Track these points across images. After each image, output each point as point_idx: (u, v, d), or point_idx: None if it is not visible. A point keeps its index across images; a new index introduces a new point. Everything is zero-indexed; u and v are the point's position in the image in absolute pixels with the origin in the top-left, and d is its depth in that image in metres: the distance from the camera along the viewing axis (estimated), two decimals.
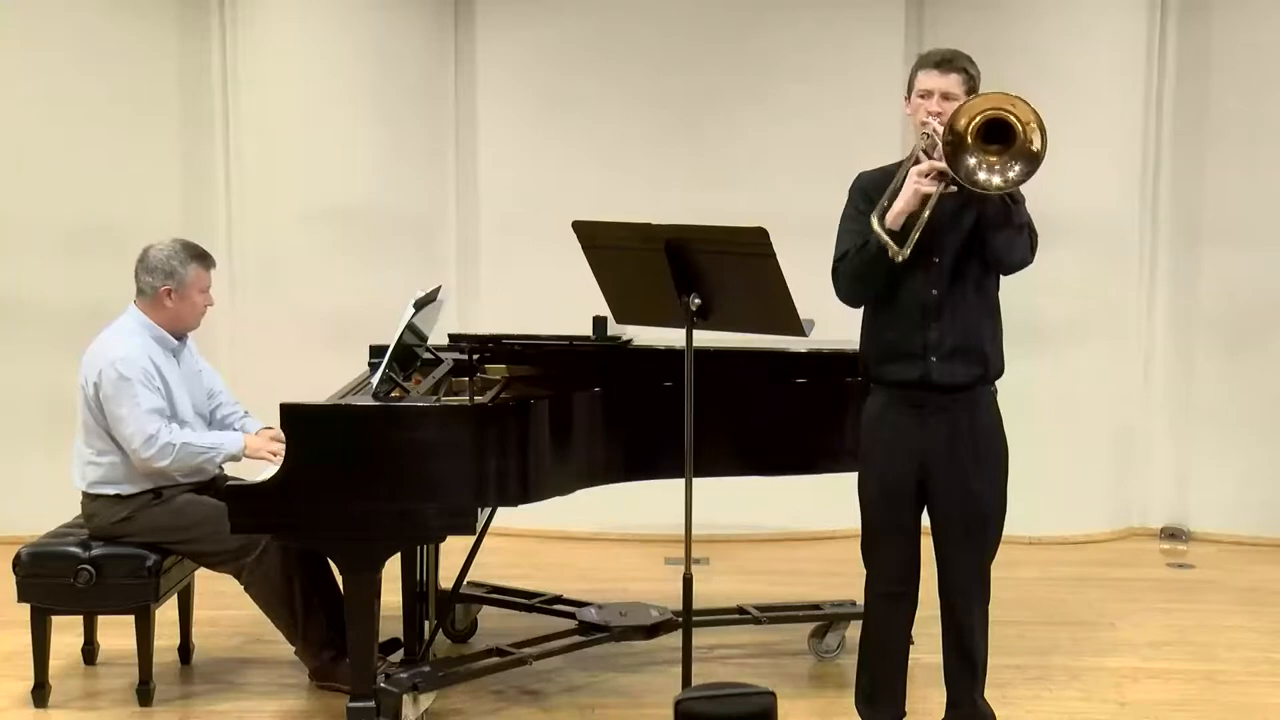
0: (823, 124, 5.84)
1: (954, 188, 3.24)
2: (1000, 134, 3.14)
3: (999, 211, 3.27)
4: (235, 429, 4.29)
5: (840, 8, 5.91)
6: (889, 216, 3.27)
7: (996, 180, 3.15)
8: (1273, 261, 5.88)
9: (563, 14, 5.93)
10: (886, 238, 3.24)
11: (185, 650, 4.42)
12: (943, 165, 3.22)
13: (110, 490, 4.04)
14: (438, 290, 4.25)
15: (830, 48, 5.90)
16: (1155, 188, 6.01)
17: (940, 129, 3.22)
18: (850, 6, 5.91)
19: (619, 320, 3.80)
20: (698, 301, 3.46)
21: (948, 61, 3.39)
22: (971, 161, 3.14)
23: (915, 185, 3.26)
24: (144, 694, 4.06)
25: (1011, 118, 3.12)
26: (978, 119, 3.13)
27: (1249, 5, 5.84)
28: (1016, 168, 3.14)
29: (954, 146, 3.14)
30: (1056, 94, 5.63)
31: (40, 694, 4.05)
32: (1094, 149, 5.78)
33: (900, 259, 3.25)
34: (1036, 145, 3.11)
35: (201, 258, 4.15)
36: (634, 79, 5.91)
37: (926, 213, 3.25)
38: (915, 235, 3.24)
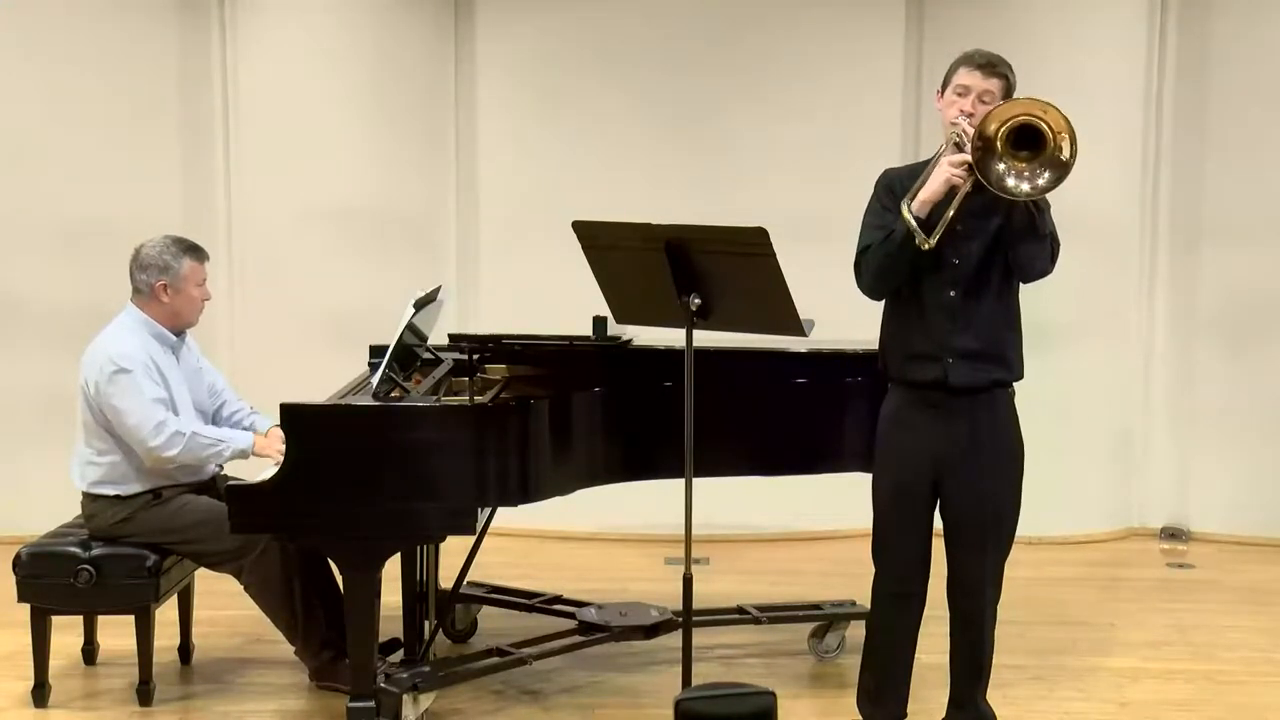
0: (823, 124, 5.84)
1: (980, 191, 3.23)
2: (1031, 140, 3.13)
3: (1024, 220, 3.26)
4: (245, 428, 4.28)
5: (840, 8, 5.91)
6: (916, 203, 3.27)
7: (1025, 187, 3.14)
8: (1273, 261, 5.88)
9: (563, 14, 5.93)
10: (915, 223, 3.24)
11: (185, 650, 4.42)
12: (969, 156, 3.21)
13: (110, 491, 4.03)
14: (438, 290, 4.25)
15: (830, 47, 5.89)
16: (1155, 188, 6.01)
17: (970, 130, 3.21)
18: (850, 6, 5.91)
19: (619, 320, 3.79)
20: (698, 301, 3.46)
21: (991, 65, 3.38)
22: (1001, 167, 3.14)
23: (947, 173, 3.24)
24: (144, 694, 4.06)
25: (1043, 124, 3.11)
26: (1008, 124, 3.12)
27: (1249, 5, 5.84)
28: (1045, 175, 3.13)
29: (983, 153, 3.13)
30: (1056, 94, 5.54)
31: (40, 694, 4.05)
32: (1094, 149, 5.66)
33: (927, 246, 3.24)
34: (1066, 154, 3.11)
35: (194, 250, 4.15)
36: (634, 79, 5.91)
37: (953, 210, 3.24)
38: (943, 225, 3.24)
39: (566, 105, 5.95)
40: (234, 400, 4.37)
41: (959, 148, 3.27)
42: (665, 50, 5.90)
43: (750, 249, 3.34)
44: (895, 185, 3.45)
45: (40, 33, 5.68)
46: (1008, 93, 3.38)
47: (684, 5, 5.92)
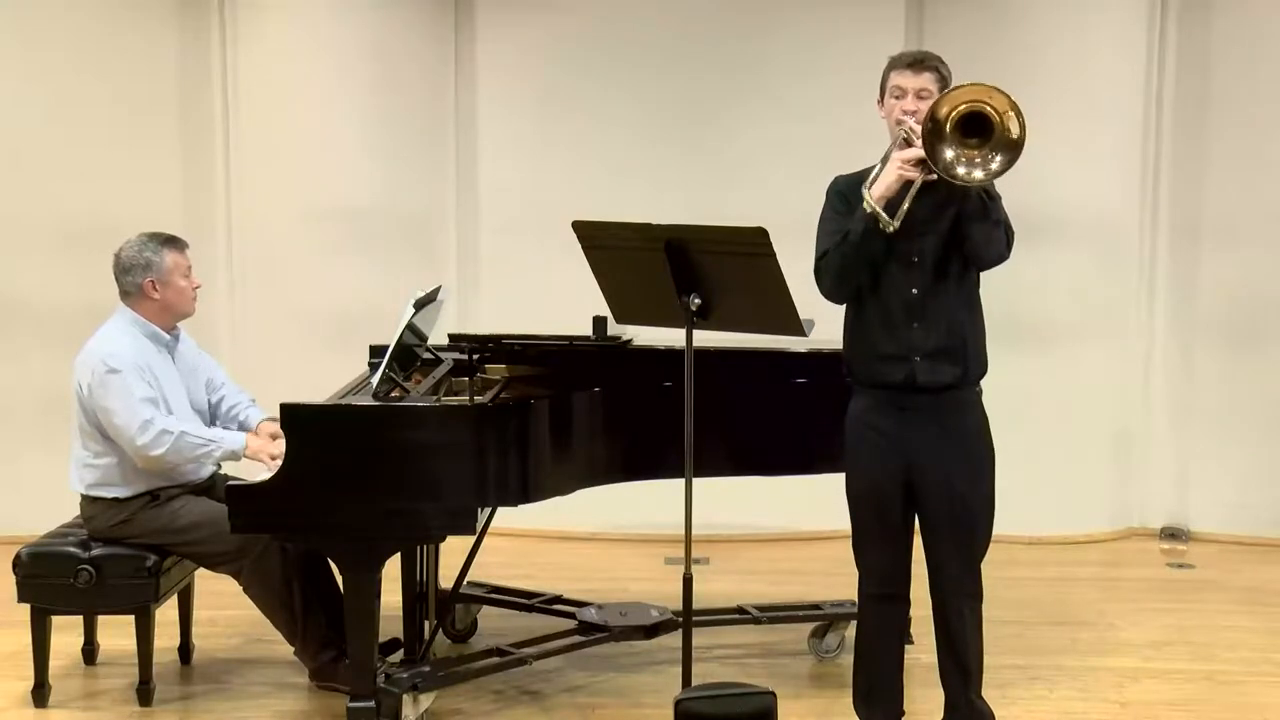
0: (822, 124, 5.83)
1: (934, 176, 3.24)
2: (979, 127, 3.13)
3: (976, 208, 3.28)
4: (240, 420, 4.27)
5: (840, 8, 5.91)
6: (874, 198, 3.28)
7: (978, 174, 3.15)
8: (1273, 262, 5.88)
9: (563, 14, 5.93)
10: (877, 207, 3.24)
11: (185, 650, 4.43)
12: (924, 154, 3.22)
13: (108, 493, 4.03)
14: (438, 290, 4.25)
15: (830, 48, 5.89)
16: (1155, 188, 6.01)
17: (917, 127, 3.23)
18: (850, 6, 5.91)
19: (619, 320, 3.79)
20: (698, 301, 3.46)
21: (920, 61, 3.41)
22: (950, 154, 3.14)
23: (899, 170, 3.26)
24: (144, 694, 4.06)
25: (988, 109, 3.12)
26: (958, 110, 3.13)
27: (1249, 5, 5.84)
28: (997, 159, 3.13)
29: (933, 136, 3.13)
30: (1056, 94, 5.64)
31: (40, 694, 4.05)
32: (1094, 149, 5.78)
33: (891, 229, 3.25)
34: (1015, 132, 3.11)
35: (173, 242, 4.14)
36: (634, 79, 5.91)
37: (908, 203, 3.26)
38: (904, 207, 3.25)
39: (567, 105, 5.95)
40: (234, 393, 4.35)
41: (908, 144, 3.29)
42: (665, 50, 5.90)
43: (750, 249, 3.35)
44: (846, 190, 3.47)
45: (40, 33, 5.69)
46: (943, 85, 3.39)
47: (684, 5, 5.92)
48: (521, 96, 5.99)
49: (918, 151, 3.23)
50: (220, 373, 4.38)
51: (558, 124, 5.96)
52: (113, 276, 4.13)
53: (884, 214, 3.25)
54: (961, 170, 3.14)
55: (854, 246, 3.34)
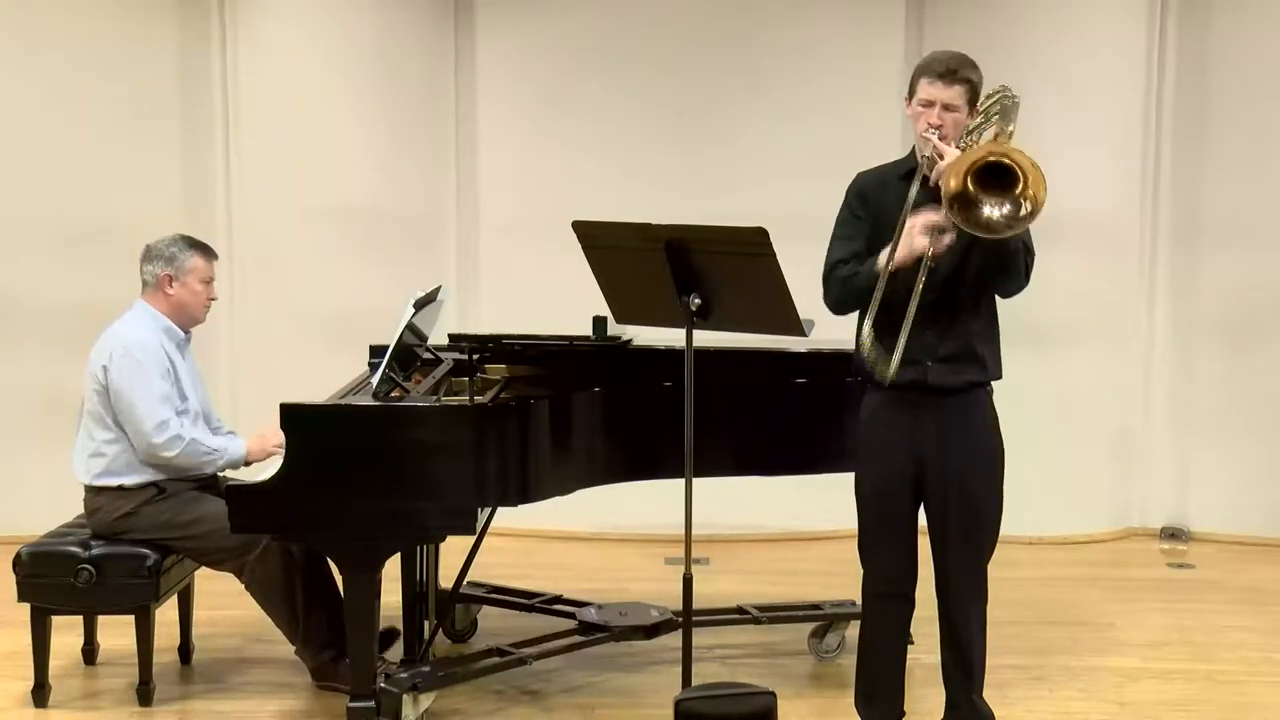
0: (823, 124, 5.84)
1: (949, 241, 3.25)
2: (998, 176, 3.08)
3: (993, 249, 3.25)
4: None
5: (840, 7, 5.91)
6: (892, 262, 3.27)
7: (998, 215, 3.10)
8: (1273, 261, 5.88)
9: (563, 13, 5.93)
10: (875, 359, 3.30)
11: (185, 650, 4.42)
12: (941, 220, 3.20)
13: (114, 481, 4.03)
14: (438, 290, 4.25)
15: (830, 48, 5.90)
16: (1155, 188, 6.01)
17: (940, 146, 3.23)
18: (850, 6, 5.91)
19: (619, 320, 3.79)
20: (698, 301, 3.46)
21: (951, 72, 3.34)
22: (985, 211, 3.09)
23: (912, 241, 3.25)
24: (144, 694, 4.06)
25: (1007, 161, 3.08)
26: (974, 167, 3.08)
27: (1249, 5, 5.84)
28: (1006, 208, 3.10)
29: (960, 207, 3.09)
30: (1056, 94, 5.64)
31: (40, 694, 4.05)
32: (1094, 149, 5.78)
33: (888, 381, 3.30)
34: (1030, 205, 3.07)
35: (202, 248, 4.18)
36: (634, 79, 5.91)
37: (904, 338, 3.27)
38: (897, 358, 3.27)
39: (567, 105, 5.95)
40: (214, 417, 4.35)
41: (931, 163, 3.27)
42: (665, 50, 5.90)
43: (750, 249, 3.34)
44: (866, 189, 3.47)
45: (40, 33, 5.69)
46: (972, 95, 3.36)
47: (684, 5, 5.92)
48: (522, 96, 5.99)
49: (933, 219, 3.21)
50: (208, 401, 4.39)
51: (558, 124, 5.96)
52: (126, 273, 4.19)
53: (881, 365, 3.29)
54: (995, 216, 3.09)
55: (857, 291, 3.36)
